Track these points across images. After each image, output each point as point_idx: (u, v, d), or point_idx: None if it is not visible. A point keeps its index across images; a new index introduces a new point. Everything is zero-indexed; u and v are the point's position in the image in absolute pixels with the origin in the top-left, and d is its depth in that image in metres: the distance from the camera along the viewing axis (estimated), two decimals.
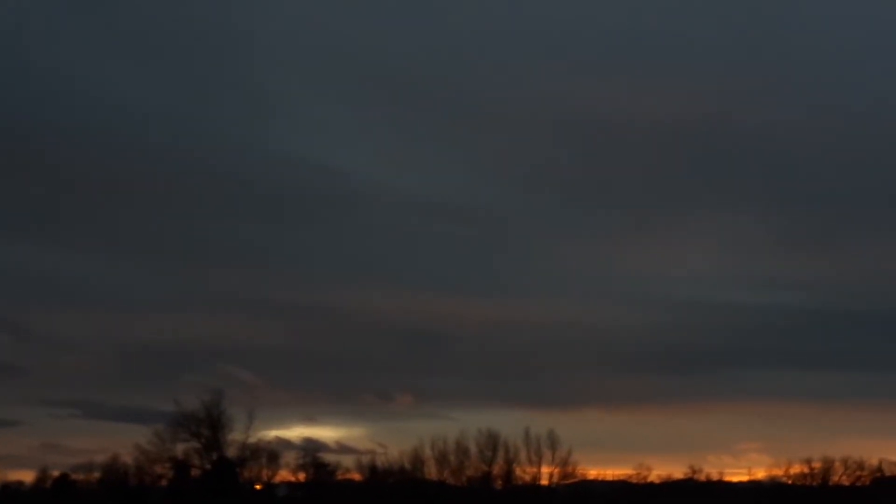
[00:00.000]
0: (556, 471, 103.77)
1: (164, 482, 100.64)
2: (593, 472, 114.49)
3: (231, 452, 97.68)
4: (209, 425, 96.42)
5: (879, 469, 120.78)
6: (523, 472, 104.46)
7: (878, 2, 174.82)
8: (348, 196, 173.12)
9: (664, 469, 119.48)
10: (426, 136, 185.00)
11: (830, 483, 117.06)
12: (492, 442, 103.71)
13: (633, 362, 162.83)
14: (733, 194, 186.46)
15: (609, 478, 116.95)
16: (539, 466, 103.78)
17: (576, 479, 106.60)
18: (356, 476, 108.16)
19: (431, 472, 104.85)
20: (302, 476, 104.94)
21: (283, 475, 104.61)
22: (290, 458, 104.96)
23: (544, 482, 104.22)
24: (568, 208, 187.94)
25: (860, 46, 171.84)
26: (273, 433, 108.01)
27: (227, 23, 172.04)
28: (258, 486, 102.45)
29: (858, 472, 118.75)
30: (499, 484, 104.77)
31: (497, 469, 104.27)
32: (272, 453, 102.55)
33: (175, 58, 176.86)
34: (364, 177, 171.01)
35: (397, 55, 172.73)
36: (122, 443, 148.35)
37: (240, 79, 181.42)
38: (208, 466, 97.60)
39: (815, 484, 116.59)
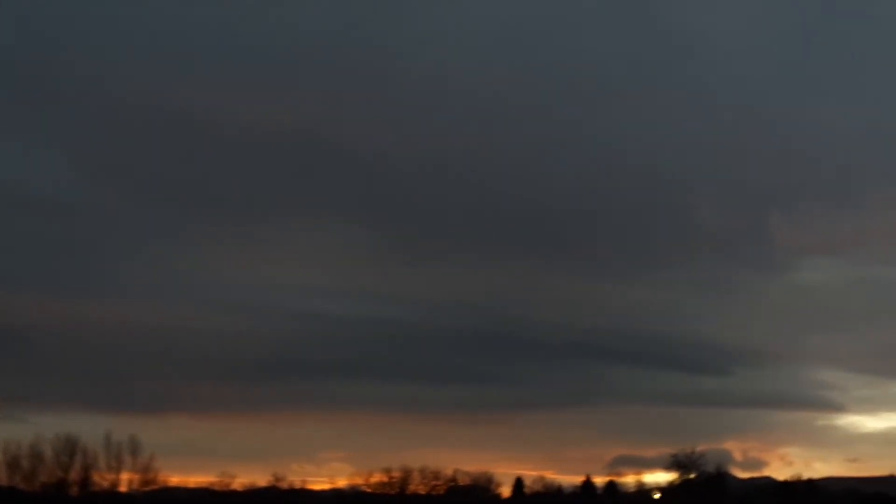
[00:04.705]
0: (137, 477, 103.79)
1: None
2: (175, 479, 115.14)
3: None
4: None
5: (454, 479, 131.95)
6: (102, 479, 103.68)
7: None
8: None
9: (248, 476, 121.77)
10: (22, 130, 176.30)
11: (408, 491, 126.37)
12: (69, 447, 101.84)
13: (221, 369, 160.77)
14: (339, 206, 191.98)
15: (192, 485, 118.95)
16: (119, 473, 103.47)
17: (157, 486, 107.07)
18: None
19: (2, 477, 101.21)
20: None
21: None
22: None
23: (123, 489, 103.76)
24: (168, 210, 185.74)
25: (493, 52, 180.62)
26: None
27: None
28: None
29: (434, 482, 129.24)
30: (75, 490, 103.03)
31: (74, 475, 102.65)
32: None
33: None
34: None
35: None
36: None
37: None
38: None
39: (393, 492, 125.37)
